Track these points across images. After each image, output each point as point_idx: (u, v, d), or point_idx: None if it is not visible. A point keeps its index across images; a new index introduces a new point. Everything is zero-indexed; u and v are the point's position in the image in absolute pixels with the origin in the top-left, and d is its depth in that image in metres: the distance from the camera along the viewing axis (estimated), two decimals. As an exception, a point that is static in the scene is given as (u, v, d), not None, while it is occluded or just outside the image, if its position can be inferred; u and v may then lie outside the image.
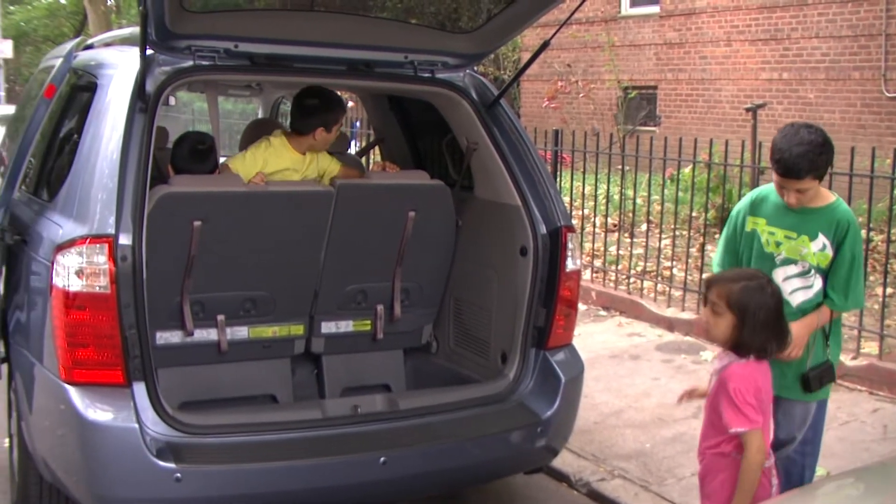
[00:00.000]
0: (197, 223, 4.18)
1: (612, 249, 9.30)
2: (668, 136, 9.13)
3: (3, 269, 4.23)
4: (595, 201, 9.73)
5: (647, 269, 8.94)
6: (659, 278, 8.63)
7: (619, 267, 9.10)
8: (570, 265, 4.48)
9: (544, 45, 4.52)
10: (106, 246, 3.63)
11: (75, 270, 3.63)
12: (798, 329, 3.92)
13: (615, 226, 10.33)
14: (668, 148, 8.48)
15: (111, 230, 3.65)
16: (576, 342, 4.69)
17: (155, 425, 3.69)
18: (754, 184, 7.92)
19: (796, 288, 4.01)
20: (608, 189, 10.08)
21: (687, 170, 9.79)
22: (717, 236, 4.48)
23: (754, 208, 4.14)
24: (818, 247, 3.96)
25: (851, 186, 6.64)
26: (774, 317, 3.53)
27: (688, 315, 7.84)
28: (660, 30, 17.01)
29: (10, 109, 12.62)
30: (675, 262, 8.68)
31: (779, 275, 4.01)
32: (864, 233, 6.75)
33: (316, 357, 4.93)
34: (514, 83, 10.71)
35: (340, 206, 4.50)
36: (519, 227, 4.54)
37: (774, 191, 4.01)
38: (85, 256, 3.63)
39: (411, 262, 4.82)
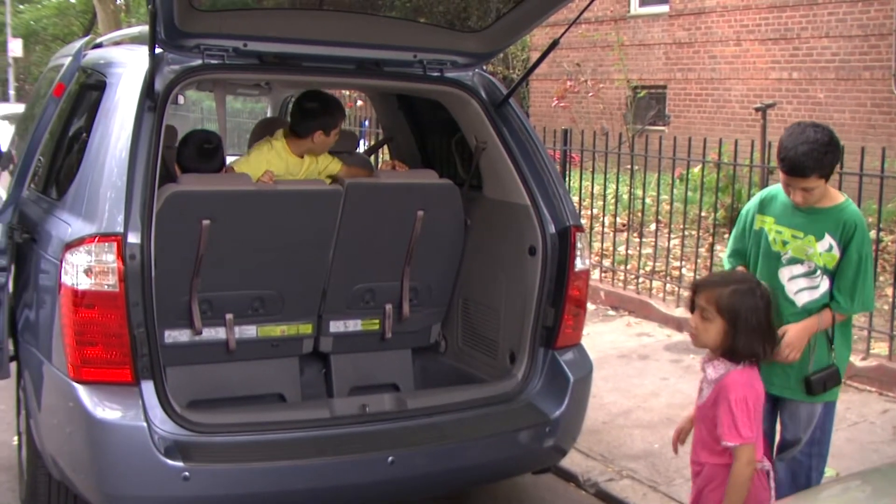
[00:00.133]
0: (206, 222, 4.18)
1: (621, 249, 9.29)
2: (678, 136, 9.12)
3: (13, 268, 4.23)
4: (604, 201, 9.71)
5: (656, 269, 8.92)
6: (668, 278, 8.62)
7: (628, 267, 9.08)
8: (579, 265, 4.47)
9: (553, 45, 4.51)
10: (115, 244, 3.64)
11: (84, 269, 3.63)
12: (796, 331, 3.90)
13: (624, 225, 10.31)
14: (677, 147, 8.46)
15: (120, 229, 3.65)
16: (584, 342, 4.67)
17: (163, 424, 3.70)
18: (763, 184, 7.90)
19: (802, 288, 3.99)
20: (617, 189, 10.06)
21: (696, 169, 9.77)
22: (726, 236, 4.47)
23: (763, 207, 4.13)
24: (824, 247, 3.94)
25: (861, 186, 6.61)
26: (766, 320, 3.47)
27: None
28: (669, 29, 16.98)
29: (20, 108, 12.65)
30: (684, 262, 8.67)
31: (784, 274, 3.99)
32: (873, 233, 6.75)
33: (324, 356, 4.93)
34: (523, 82, 10.69)
35: (349, 206, 4.49)
36: (528, 226, 4.53)
37: (783, 190, 4.01)
38: (94, 255, 3.63)
39: (420, 261, 4.81)
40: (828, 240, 3.93)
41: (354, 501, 4.08)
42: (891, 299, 6.91)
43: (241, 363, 4.64)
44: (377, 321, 4.92)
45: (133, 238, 3.66)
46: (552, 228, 4.48)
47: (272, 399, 4.74)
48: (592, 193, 9.27)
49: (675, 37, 16.84)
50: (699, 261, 8.20)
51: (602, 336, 7.70)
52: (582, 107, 16.22)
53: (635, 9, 17.80)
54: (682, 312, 7.97)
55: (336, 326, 4.83)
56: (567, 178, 9.11)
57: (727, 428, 3.36)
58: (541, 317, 4.47)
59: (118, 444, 3.65)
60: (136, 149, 3.80)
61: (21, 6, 40.04)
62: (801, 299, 3.99)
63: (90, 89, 4.53)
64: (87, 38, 4.92)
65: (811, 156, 3.77)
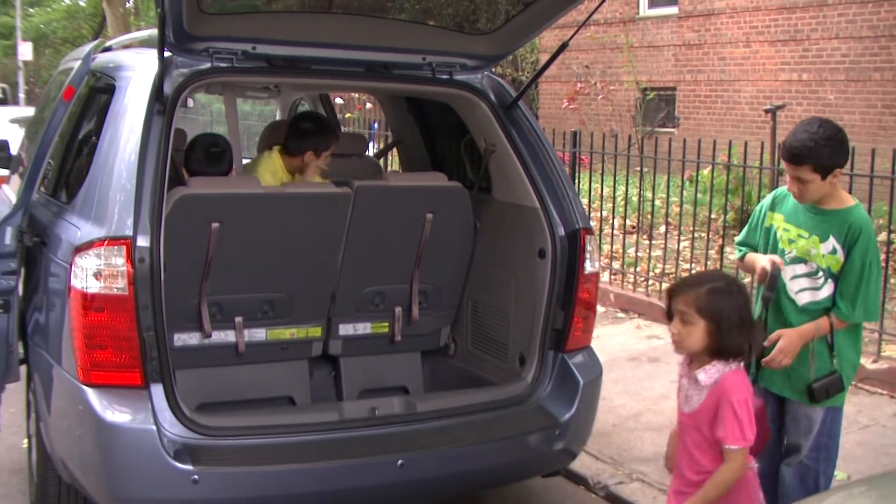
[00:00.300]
0: (215, 225, 4.18)
1: (631, 251, 9.27)
2: (687, 138, 9.09)
3: (22, 271, 4.24)
4: (613, 203, 9.69)
5: (666, 272, 8.90)
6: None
7: (638, 269, 9.06)
8: (589, 267, 4.46)
9: (563, 47, 4.50)
10: (124, 248, 3.64)
11: (93, 272, 3.63)
12: (789, 337, 3.88)
13: (634, 228, 10.28)
14: (686, 149, 8.43)
15: (129, 232, 3.66)
16: (594, 344, 4.67)
17: (172, 427, 3.70)
18: (773, 185, 7.88)
19: (803, 288, 3.97)
20: (627, 191, 10.04)
21: (706, 171, 9.76)
22: (735, 238, 4.47)
23: (775, 204, 4.13)
24: (828, 249, 3.91)
25: (872, 188, 6.59)
26: (748, 315, 3.40)
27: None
28: (678, 31, 16.96)
29: (30, 111, 12.68)
30: (693, 264, 8.64)
31: (787, 272, 3.97)
32: (884, 235, 6.73)
33: (333, 359, 4.92)
34: (533, 84, 10.70)
35: (358, 208, 4.49)
36: (537, 229, 4.52)
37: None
38: (103, 258, 3.63)
39: (429, 264, 4.81)
40: (832, 242, 3.90)
41: (364, 505, 4.08)
42: (902, 301, 6.89)
43: (250, 366, 4.64)
44: (386, 324, 4.91)
45: (142, 241, 3.67)
46: (562, 231, 4.47)
47: (281, 402, 4.73)
48: (602, 195, 9.25)
49: (684, 38, 16.81)
50: (709, 263, 8.17)
51: (612, 339, 7.69)
52: (591, 109, 16.20)
53: (644, 10, 17.79)
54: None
55: (345, 329, 4.83)
56: (576, 181, 9.10)
57: (731, 430, 3.29)
58: (550, 319, 4.46)
59: (127, 448, 3.66)
60: (145, 152, 3.80)
61: (31, 10, 40.18)
62: (802, 299, 3.97)
63: (99, 93, 4.54)
64: (96, 42, 4.93)
65: (806, 144, 3.76)
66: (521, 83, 16.82)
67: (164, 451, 3.62)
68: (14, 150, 6.52)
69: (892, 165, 6.62)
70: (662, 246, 8.91)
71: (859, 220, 3.89)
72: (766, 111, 11.31)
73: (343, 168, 5.47)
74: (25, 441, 4.92)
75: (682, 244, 8.85)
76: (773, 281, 3.92)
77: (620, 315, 8.50)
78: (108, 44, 5.27)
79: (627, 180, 9.62)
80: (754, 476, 3.49)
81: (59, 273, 3.91)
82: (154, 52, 3.97)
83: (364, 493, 3.94)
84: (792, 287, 3.97)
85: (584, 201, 9.27)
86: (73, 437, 3.85)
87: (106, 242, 3.65)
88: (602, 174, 9.23)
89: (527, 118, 4.71)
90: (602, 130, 10.71)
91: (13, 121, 12.56)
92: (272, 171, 5.23)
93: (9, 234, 4.12)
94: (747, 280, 5.86)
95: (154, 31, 4.16)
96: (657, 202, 9.31)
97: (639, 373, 6.92)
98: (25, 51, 33.23)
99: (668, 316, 3.47)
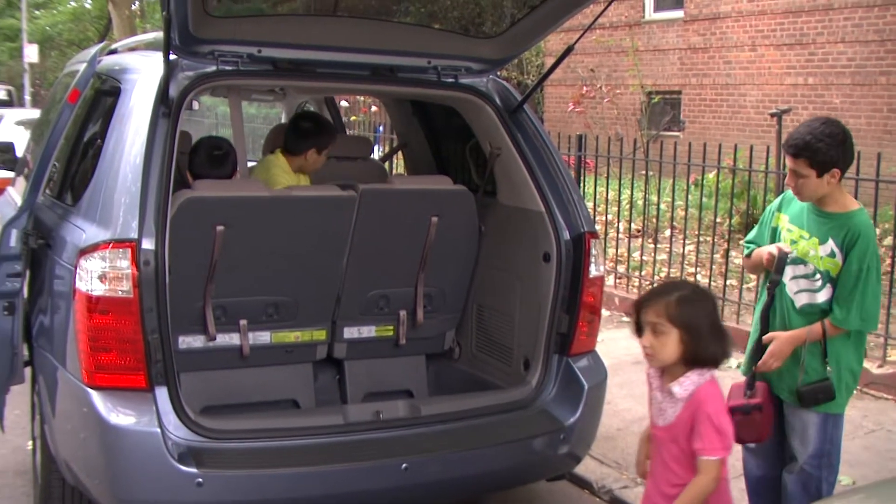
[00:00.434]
0: (220, 228, 4.18)
1: (636, 255, 9.27)
2: (692, 141, 9.08)
3: (27, 273, 4.25)
4: (619, 207, 9.70)
5: (671, 276, 8.89)
6: (682, 284, 8.56)
7: (643, 273, 9.05)
8: (594, 271, 4.46)
9: (568, 50, 4.50)
10: (129, 250, 3.64)
11: (98, 275, 3.63)
12: (780, 341, 3.89)
13: (639, 231, 10.28)
14: (692, 153, 8.43)
15: (134, 235, 3.66)
16: (599, 348, 4.66)
17: (177, 430, 3.70)
18: (779, 189, 7.86)
19: (802, 289, 3.97)
20: (632, 194, 10.04)
21: (711, 175, 9.74)
22: (741, 242, 4.46)
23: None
24: (826, 251, 3.91)
25: (878, 192, 6.58)
26: (718, 320, 3.36)
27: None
28: (684, 34, 16.95)
29: (36, 113, 12.70)
30: (698, 269, 8.63)
31: (787, 272, 3.98)
32: (889, 240, 6.71)
33: (338, 362, 4.92)
34: (538, 88, 10.68)
35: (363, 211, 4.49)
36: (542, 232, 4.52)
37: None
38: (108, 261, 3.64)
39: (434, 267, 4.81)
40: (830, 244, 3.90)
41: (367, 508, 4.07)
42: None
43: (254, 369, 4.64)
44: (391, 327, 4.91)
45: (147, 244, 3.67)
46: (566, 235, 4.47)
47: (286, 405, 4.73)
48: (607, 199, 9.25)
49: (689, 42, 16.81)
50: (714, 267, 8.16)
51: (617, 342, 7.67)
52: (596, 112, 16.20)
53: (650, 14, 17.78)
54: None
55: (350, 332, 4.82)
56: (581, 184, 9.10)
57: (710, 442, 3.22)
58: (555, 323, 4.46)
59: (132, 450, 3.66)
60: (150, 155, 3.81)
61: (37, 12, 40.28)
62: (800, 300, 3.97)
63: (105, 95, 4.54)
64: (102, 44, 4.95)
65: (805, 138, 3.80)
66: (527, 87, 16.82)
67: (168, 453, 3.62)
68: (20, 153, 6.54)
69: (898, 170, 6.61)
70: (667, 250, 8.90)
71: (859, 225, 3.88)
72: (772, 115, 11.28)
73: (348, 171, 5.48)
74: (30, 443, 4.92)
75: (687, 248, 8.83)
76: (780, 264, 3.93)
77: (625, 319, 8.47)
78: (113, 46, 5.27)
79: (633, 184, 9.62)
80: (727, 480, 3.40)
81: (63, 275, 3.92)
82: (159, 55, 3.98)
83: (368, 497, 3.94)
84: (791, 287, 3.99)
85: (590, 205, 9.28)
86: (78, 440, 3.85)
87: (111, 245, 3.65)
88: (607, 178, 9.23)
89: (532, 122, 4.71)
90: (607, 134, 10.70)
91: (19, 123, 12.59)
92: (286, 171, 5.31)
93: (14, 236, 4.12)
94: (752, 283, 5.85)
95: (159, 34, 4.17)
96: (662, 206, 9.29)
97: (644, 377, 6.88)
98: (31, 53, 33.29)
99: (638, 330, 3.40)
